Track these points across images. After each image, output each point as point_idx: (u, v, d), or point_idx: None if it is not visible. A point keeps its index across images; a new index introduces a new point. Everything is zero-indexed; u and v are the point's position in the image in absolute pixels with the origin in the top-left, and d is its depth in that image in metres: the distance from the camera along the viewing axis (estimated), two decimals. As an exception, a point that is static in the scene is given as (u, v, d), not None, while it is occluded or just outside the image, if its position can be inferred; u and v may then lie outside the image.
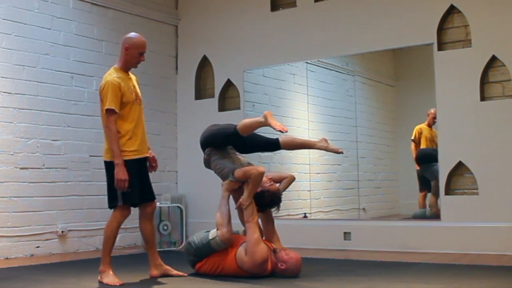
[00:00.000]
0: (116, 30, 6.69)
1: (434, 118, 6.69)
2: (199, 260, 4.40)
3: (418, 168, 6.82)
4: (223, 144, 4.52)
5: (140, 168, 4.26)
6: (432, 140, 6.75)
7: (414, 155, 6.85)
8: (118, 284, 4.07)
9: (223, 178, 4.44)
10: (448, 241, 5.62)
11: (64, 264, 5.35)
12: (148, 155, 4.37)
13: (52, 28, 6.21)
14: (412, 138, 6.83)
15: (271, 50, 6.89)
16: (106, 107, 4.09)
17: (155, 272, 4.38)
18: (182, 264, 4.76)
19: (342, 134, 7.64)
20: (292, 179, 4.71)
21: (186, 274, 4.43)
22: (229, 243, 4.27)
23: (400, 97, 7.64)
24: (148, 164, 4.42)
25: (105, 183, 4.27)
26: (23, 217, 5.80)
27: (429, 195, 6.66)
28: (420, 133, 6.81)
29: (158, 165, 4.48)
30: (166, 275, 4.39)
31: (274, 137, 4.61)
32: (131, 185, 4.12)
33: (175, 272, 4.43)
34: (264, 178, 4.38)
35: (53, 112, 6.16)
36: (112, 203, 4.22)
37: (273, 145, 4.64)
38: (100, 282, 4.15)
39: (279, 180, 4.66)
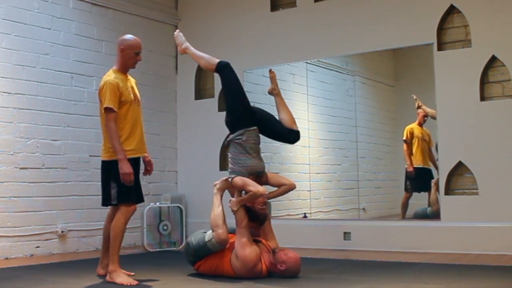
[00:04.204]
0: (116, 30, 6.68)
1: (425, 116, 6.70)
2: (199, 260, 4.40)
3: (411, 169, 6.76)
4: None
5: (136, 168, 4.31)
6: (424, 139, 6.75)
7: (406, 156, 6.81)
8: (134, 284, 4.05)
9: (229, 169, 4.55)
10: (448, 241, 5.62)
11: (64, 264, 5.34)
12: (145, 154, 4.43)
13: (52, 28, 6.21)
14: (404, 138, 6.82)
15: (271, 50, 6.89)
16: (105, 105, 4.15)
17: (102, 272, 4.40)
18: (181, 264, 4.76)
19: (342, 134, 7.63)
20: (291, 187, 4.64)
21: (133, 273, 4.37)
22: (225, 244, 4.25)
23: (400, 97, 7.62)
24: (144, 167, 4.50)
25: (105, 183, 4.32)
26: (23, 217, 5.80)
27: (417, 195, 6.66)
28: (411, 133, 6.80)
29: (153, 169, 4.54)
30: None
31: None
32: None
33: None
34: (260, 199, 4.33)
35: (53, 112, 6.16)
36: (106, 202, 4.28)
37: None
38: (110, 283, 4.11)
39: (277, 185, 4.64)
